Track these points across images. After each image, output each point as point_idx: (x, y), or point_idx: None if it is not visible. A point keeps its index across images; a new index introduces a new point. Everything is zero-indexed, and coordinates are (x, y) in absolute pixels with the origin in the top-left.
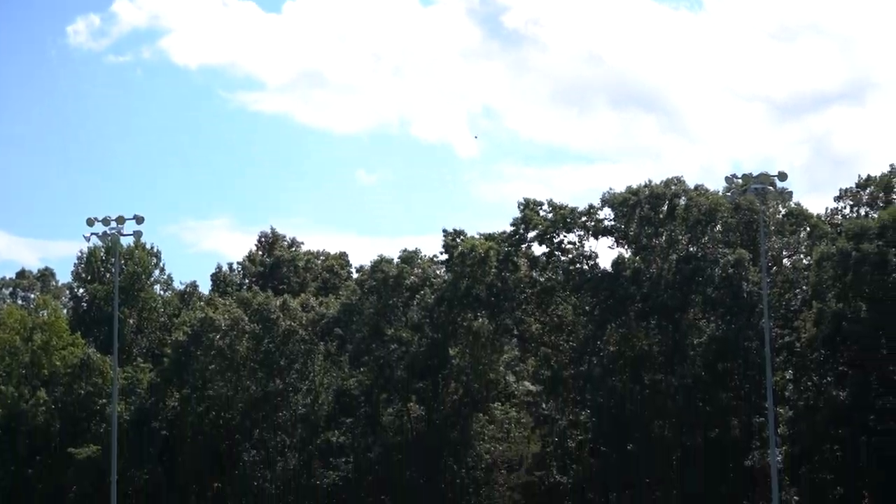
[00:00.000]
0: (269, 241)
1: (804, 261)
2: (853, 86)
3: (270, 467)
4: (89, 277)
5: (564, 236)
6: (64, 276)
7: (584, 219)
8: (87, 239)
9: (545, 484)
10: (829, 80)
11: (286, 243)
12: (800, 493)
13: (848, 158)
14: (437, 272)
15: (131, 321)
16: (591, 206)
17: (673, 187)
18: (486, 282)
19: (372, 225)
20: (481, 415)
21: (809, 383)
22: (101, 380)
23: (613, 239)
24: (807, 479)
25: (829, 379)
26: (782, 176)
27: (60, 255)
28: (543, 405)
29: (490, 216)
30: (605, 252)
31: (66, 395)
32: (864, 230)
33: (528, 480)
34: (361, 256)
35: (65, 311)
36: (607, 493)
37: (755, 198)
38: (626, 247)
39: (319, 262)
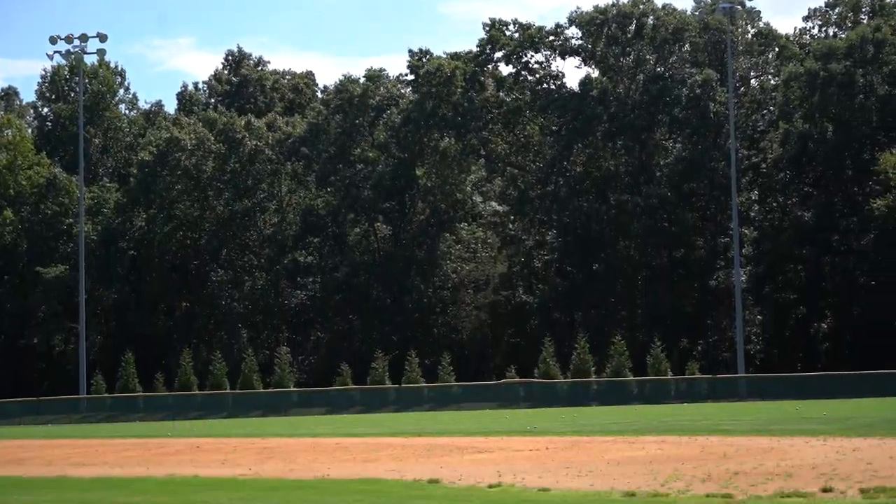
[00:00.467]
0: (236, 60)
1: (772, 81)
2: None
3: (238, 287)
4: (54, 97)
5: (531, 56)
6: (28, 95)
7: (551, 38)
8: (51, 57)
9: (511, 303)
10: None
11: (252, 62)
12: (763, 312)
13: None
14: (403, 92)
15: (97, 141)
16: (558, 26)
17: (641, 6)
18: (453, 101)
19: (337, 44)
20: (448, 234)
21: (774, 204)
22: (67, 199)
23: (580, 59)
24: (770, 298)
25: (793, 199)
26: None
27: (24, 73)
28: (510, 225)
29: (457, 35)
30: (573, 72)
31: (33, 215)
32: (832, 50)
33: (495, 300)
34: (327, 76)
35: (30, 130)
36: (573, 313)
37: (723, 17)
38: (593, 66)
39: (286, 81)
